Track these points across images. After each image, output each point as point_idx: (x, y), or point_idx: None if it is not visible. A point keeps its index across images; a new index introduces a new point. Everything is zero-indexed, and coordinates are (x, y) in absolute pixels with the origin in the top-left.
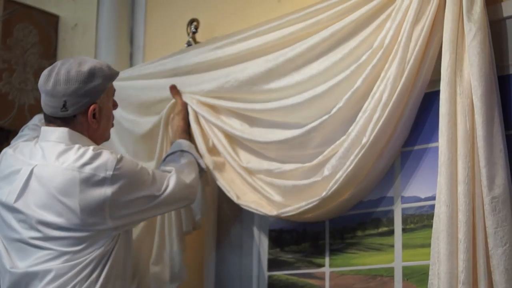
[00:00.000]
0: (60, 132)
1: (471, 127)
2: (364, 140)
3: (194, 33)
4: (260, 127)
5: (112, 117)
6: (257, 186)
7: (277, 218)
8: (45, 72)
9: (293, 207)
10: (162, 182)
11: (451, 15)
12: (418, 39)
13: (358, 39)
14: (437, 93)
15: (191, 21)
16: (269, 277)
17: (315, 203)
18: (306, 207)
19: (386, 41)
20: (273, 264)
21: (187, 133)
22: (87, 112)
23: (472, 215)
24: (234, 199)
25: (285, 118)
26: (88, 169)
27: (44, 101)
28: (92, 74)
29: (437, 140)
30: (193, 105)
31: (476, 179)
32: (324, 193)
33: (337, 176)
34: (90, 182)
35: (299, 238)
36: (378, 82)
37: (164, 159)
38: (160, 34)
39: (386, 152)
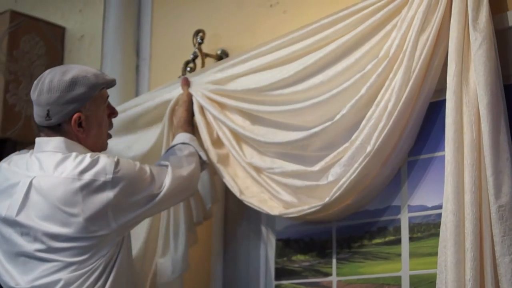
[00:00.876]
0: (56, 142)
1: (478, 136)
2: (368, 149)
3: (200, 44)
4: (262, 125)
5: (106, 126)
6: (261, 181)
7: (285, 227)
8: (35, 82)
9: (295, 209)
10: (160, 179)
11: (456, 24)
12: (423, 49)
13: (363, 49)
14: (443, 102)
15: (197, 32)
16: (277, 286)
17: (317, 207)
18: (308, 210)
19: (392, 50)
20: (280, 273)
21: (191, 125)
22: (71, 120)
23: (479, 223)
24: (237, 194)
25: (288, 120)
26: (87, 176)
27: (34, 110)
28: (74, 82)
29: (443, 149)
30: (198, 97)
31: (483, 187)
32: (327, 199)
33: (341, 183)
34: (91, 188)
35: (306, 247)
36: (382, 91)
37: (166, 152)
38: (166, 45)
39: (391, 160)
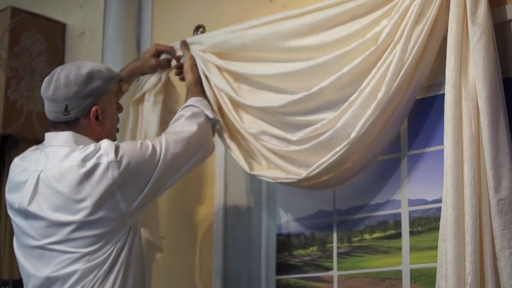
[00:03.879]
0: (64, 136)
1: (477, 130)
2: (353, 135)
3: None
4: (245, 84)
5: (116, 120)
6: (244, 133)
7: (285, 222)
8: (46, 79)
9: (270, 174)
10: (159, 149)
11: (455, 18)
12: (417, 40)
13: (351, 27)
14: (442, 96)
15: (197, 27)
16: (278, 281)
17: (293, 180)
18: (284, 180)
19: (381, 38)
20: (282, 268)
21: (198, 85)
22: (89, 114)
23: (479, 217)
24: (230, 149)
25: (270, 83)
26: (91, 161)
27: (47, 107)
28: (90, 76)
29: (443, 143)
30: (196, 57)
31: (482, 181)
32: (304, 175)
33: (320, 162)
34: (95, 172)
35: (307, 241)
36: (368, 79)
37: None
38: (167, 40)
39: (374, 146)
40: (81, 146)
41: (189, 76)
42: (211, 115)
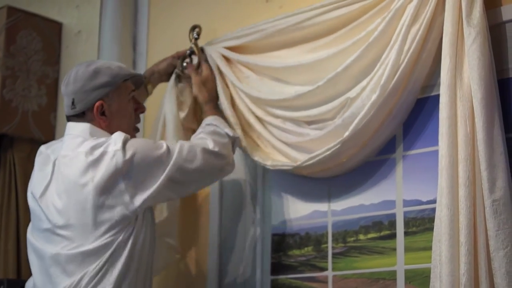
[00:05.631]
0: (82, 127)
1: (472, 131)
2: (346, 133)
3: (196, 39)
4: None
5: (131, 118)
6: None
7: (280, 222)
8: (65, 77)
9: (269, 162)
10: (172, 150)
11: (450, 19)
12: (412, 42)
13: (346, 29)
14: (437, 97)
15: (193, 28)
16: (273, 281)
17: (288, 167)
18: (281, 167)
19: (373, 36)
20: (276, 268)
21: (213, 101)
22: (94, 108)
23: (473, 218)
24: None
25: (278, 76)
26: (99, 150)
27: (64, 102)
28: (97, 72)
29: (438, 144)
30: (213, 56)
31: (477, 182)
32: (298, 163)
33: (314, 154)
34: (101, 159)
35: (302, 242)
36: (367, 80)
37: None
38: (163, 40)
39: (370, 144)
40: (94, 138)
41: (200, 94)
42: (231, 133)
